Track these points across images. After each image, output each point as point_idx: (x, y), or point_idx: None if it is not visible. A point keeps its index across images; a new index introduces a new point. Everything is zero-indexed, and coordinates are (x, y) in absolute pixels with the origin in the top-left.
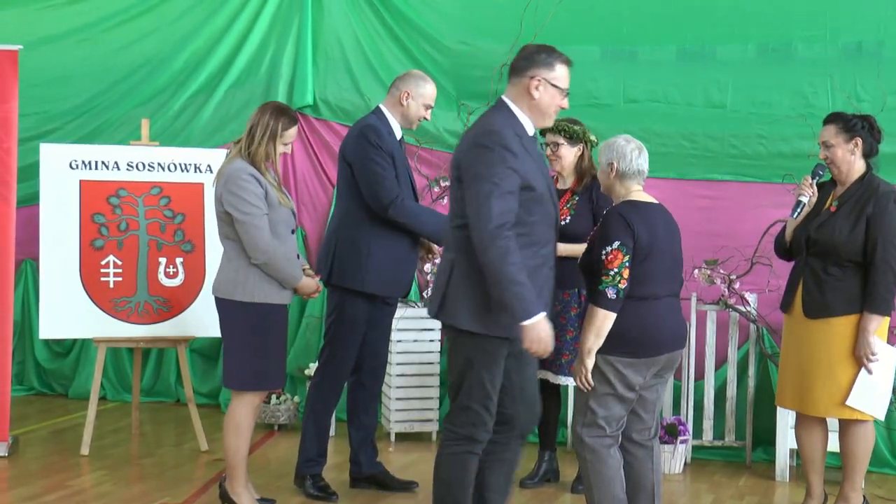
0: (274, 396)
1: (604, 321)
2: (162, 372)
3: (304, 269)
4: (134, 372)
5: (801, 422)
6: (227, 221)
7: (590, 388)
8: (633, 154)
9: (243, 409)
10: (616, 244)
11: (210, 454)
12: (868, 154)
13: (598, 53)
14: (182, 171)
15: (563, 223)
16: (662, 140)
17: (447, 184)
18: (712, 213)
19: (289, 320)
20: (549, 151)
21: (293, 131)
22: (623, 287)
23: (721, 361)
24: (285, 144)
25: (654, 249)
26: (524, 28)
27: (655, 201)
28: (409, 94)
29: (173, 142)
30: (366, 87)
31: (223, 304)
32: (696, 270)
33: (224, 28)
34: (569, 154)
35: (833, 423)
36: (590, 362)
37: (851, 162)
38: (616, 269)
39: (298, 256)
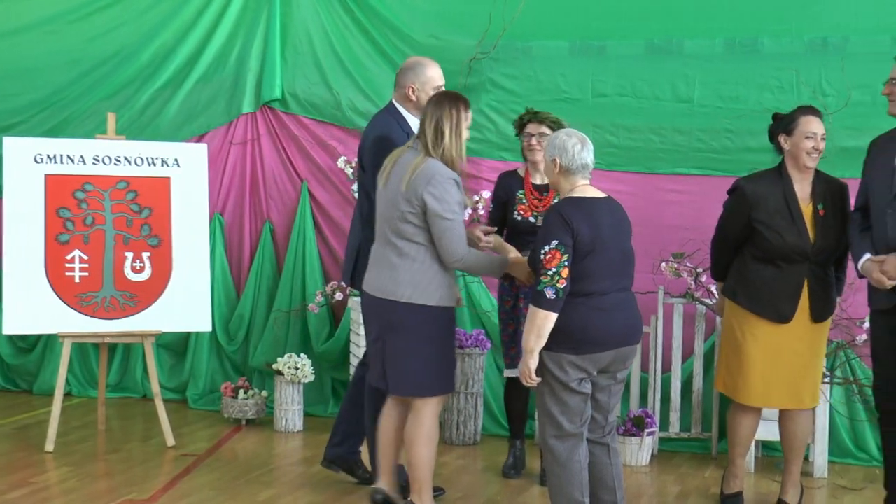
0: (242, 391)
1: (544, 321)
2: (128, 367)
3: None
4: (100, 367)
5: (741, 409)
6: (416, 223)
7: (534, 384)
8: (576, 149)
9: (434, 416)
10: (554, 244)
11: (177, 449)
12: None
13: (567, 48)
14: (149, 164)
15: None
16: (630, 134)
17: None
18: (679, 207)
19: (262, 315)
20: (532, 141)
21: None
22: (562, 287)
23: (688, 354)
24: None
25: (597, 245)
26: (493, 23)
27: (603, 195)
28: (413, 87)
29: (140, 135)
30: (335, 81)
31: (411, 309)
32: (663, 264)
33: (192, 21)
34: None
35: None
36: (532, 363)
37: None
38: (554, 269)
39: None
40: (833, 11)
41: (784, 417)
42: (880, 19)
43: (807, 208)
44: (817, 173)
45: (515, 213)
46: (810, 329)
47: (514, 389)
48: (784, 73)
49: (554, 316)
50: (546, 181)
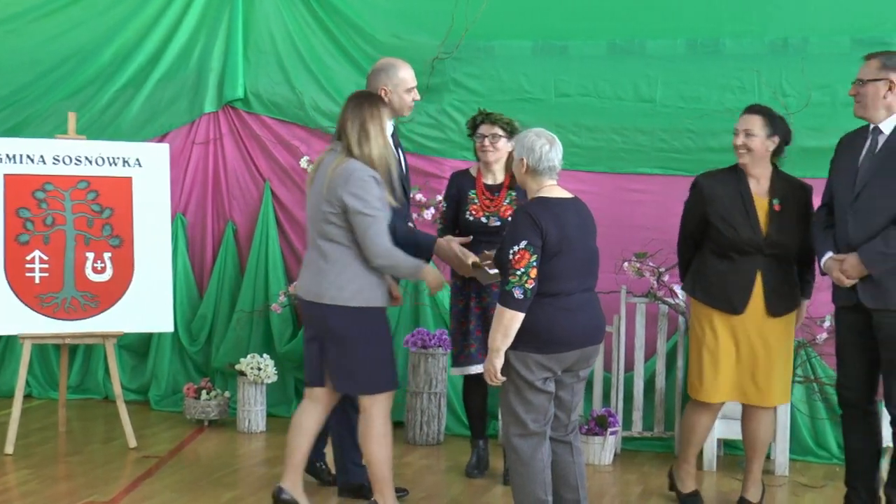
0: (204, 392)
1: (511, 321)
2: (90, 368)
3: None
4: (61, 368)
5: (698, 408)
6: (338, 223)
7: (499, 384)
8: (543, 149)
9: (382, 414)
10: (523, 244)
11: (138, 451)
12: (776, 154)
13: (530, 48)
14: (110, 164)
15: (509, 220)
16: (593, 134)
17: None
18: (642, 207)
19: (225, 316)
20: (486, 143)
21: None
22: (530, 287)
23: (650, 353)
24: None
25: (564, 246)
26: (455, 22)
27: (570, 196)
28: (386, 90)
29: (101, 135)
30: (297, 80)
31: (337, 311)
32: (626, 263)
33: (153, 20)
34: (505, 147)
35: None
36: (498, 362)
37: (765, 156)
38: (523, 269)
39: None
40: (793, 13)
41: (746, 416)
42: (839, 21)
43: (762, 203)
44: (778, 173)
45: (467, 213)
46: (768, 324)
47: (473, 389)
48: (745, 73)
49: (521, 316)
50: (498, 181)
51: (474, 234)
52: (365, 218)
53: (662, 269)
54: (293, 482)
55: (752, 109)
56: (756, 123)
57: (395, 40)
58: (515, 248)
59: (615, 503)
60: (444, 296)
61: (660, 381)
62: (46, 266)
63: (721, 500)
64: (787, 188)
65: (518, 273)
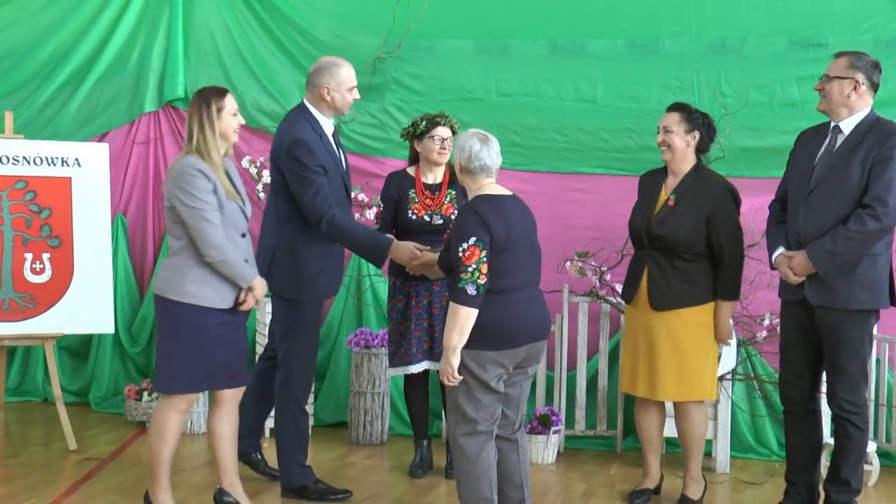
0: (146, 393)
1: (467, 318)
2: (29, 370)
3: None
4: None
5: (642, 405)
6: (173, 219)
7: (456, 383)
8: (474, 149)
9: (165, 412)
10: (472, 240)
11: (79, 453)
12: (700, 149)
13: (471, 47)
14: (48, 164)
15: (451, 217)
16: (535, 134)
17: None
18: (584, 206)
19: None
20: (446, 145)
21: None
22: (482, 283)
23: (593, 352)
24: (233, 115)
25: (511, 242)
26: (397, 22)
27: (509, 193)
28: (328, 88)
29: (39, 135)
30: (238, 79)
31: (157, 301)
32: (568, 262)
33: (91, 19)
34: (451, 148)
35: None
36: (455, 361)
37: (686, 152)
38: (474, 265)
39: (247, 261)
40: (731, 14)
41: (676, 413)
42: (776, 22)
43: (663, 198)
44: (699, 170)
45: (409, 212)
46: (656, 317)
47: (414, 389)
48: (684, 73)
49: (475, 312)
50: (438, 180)
51: (417, 233)
52: (192, 210)
53: (604, 269)
54: (230, 483)
55: (671, 107)
56: (674, 120)
57: (337, 40)
58: (465, 245)
59: (558, 501)
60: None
61: (602, 380)
62: None
63: (664, 499)
64: (696, 185)
65: (469, 270)
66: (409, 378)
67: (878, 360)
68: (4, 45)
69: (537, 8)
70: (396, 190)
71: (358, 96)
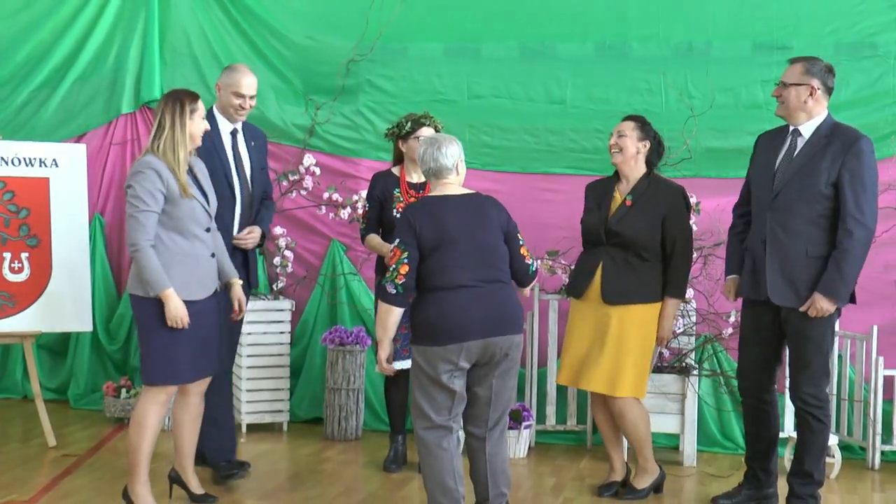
0: (124, 390)
1: (386, 314)
2: (8, 368)
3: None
4: None
5: (596, 403)
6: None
7: (389, 373)
8: (421, 152)
9: (144, 406)
10: (396, 242)
11: (58, 450)
12: (649, 160)
13: (442, 50)
14: (26, 165)
15: None
16: (506, 135)
17: (295, 178)
18: (554, 206)
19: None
20: None
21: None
22: (401, 283)
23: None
24: (202, 119)
25: (444, 240)
26: (370, 24)
27: (463, 193)
28: (219, 86)
29: (16, 135)
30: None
31: (130, 299)
32: (539, 261)
33: (68, 21)
34: None
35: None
36: (382, 352)
37: (636, 158)
38: (394, 266)
39: (214, 255)
40: (697, 18)
41: (614, 413)
42: (741, 26)
43: (618, 199)
44: (652, 176)
45: (394, 211)
46: (604, 311)
47: (394, 385)
48: (652, 76)
49: (397, 310)
50: (422, 179)
51: None
52: (130, 205)
53: (574, 267)
54: (182, 466)
55: (628, 117)
56: (628, 127)
57: (310, 42)
58: (392, 245)
59: (529, 495)
60: (362, 293)
61: None
62: None
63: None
64: (651, 188)
65: (390, 269)
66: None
67: (839, 357)
68: None
69: (508, 11)
70: (381, 190)
71: (246, 106)
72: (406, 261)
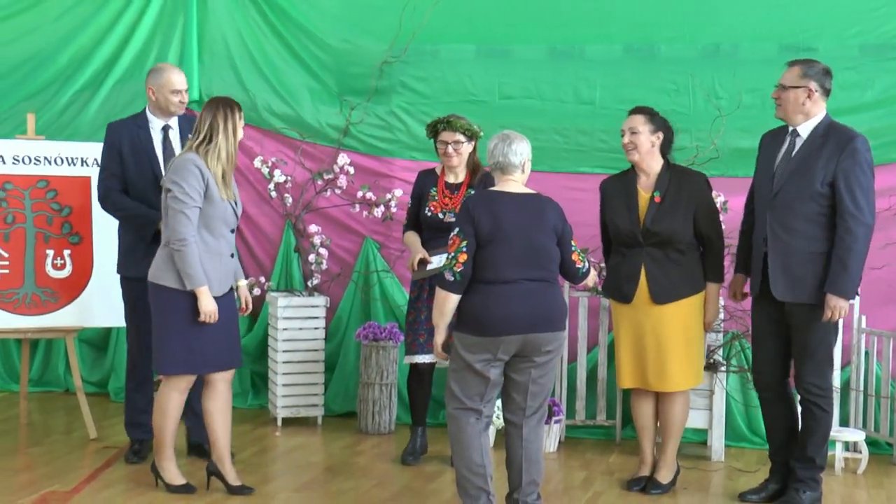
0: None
1: (444, 301)
2: (51, 362)
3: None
4: (22, 362)
5: (637, 395)
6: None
7: (444, 358)
8: (491, 146)
9: (166, 392)
10: (456, 230)
11: (99, 442)
12: (663, 151)
13: (474, 52)
14: (69, 164)
15: None
16: (536, 135)
17: (330, 177)
18: (583, 205)
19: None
20: (449, 150)
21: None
22: (459, 270)
23: (592, 345)
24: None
25: (499, 236)
26: (403, 27)
27: (524, 192)
28: (151, 88)
29: (59, 136)
30: (250, 82)
31: (150, 287)
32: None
33: (109, 25)
34: (467, 150)
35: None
36: (438, 337)
37: (652, 152)
38: (452, 254)
39: (233, 255)
40: (724, 20)
41: (659, 400)
42: (767, 28)
43: (645, 197)
44: (669, 166)
45: (427, 209)
46: (658, 311)
47: (416, 377)
48: (679, 77)
49: (454, 297)
50: (459, 180)
51: (432, 230)
52: (175, 200)
53: (603, 265)
54: (219, 457)
55: (634, 110)
56: (639, 121)
57: (345, 44)
58: (452, 234)
59: (559, 489)
60: (395, 290)
61: (602, 372)
62: (7, 263)
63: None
64: (674, 180)
65: (449, 257)
66: (415, 367)
67: (867, 353)
68: (26, 50)
69: (538, 14)
70: (420, 187)
71: (185, 100)
72: (464, 249)
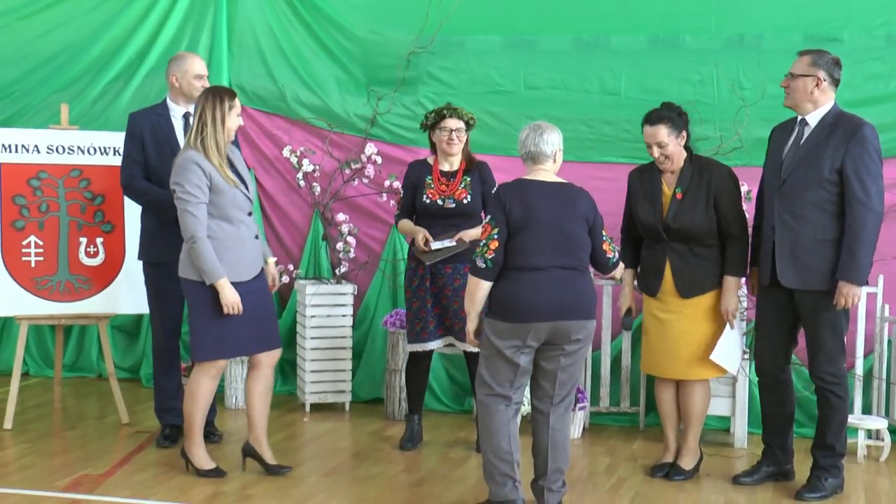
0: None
1: (476, 287)
2: (84, 348)
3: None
4: (56, 348)
5: (661, 382)
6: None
7: (476, 344)
8: (522, 136)
9: (197, 379)
10: (488, 218)
11: (131, 426)
12: (685, 144)
13: (500, 43)
14: (101, 154)
15: (464, 202)
16: (561, 125)
17: (357, 166)
18: (608, 194)
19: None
20: (452, 136)
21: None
22: (490, 257)
23: (616, 333)
24: (238, 115)
25: (530, 223)
26: (430, 19)
27: (555, 181)
28: (175, 76)
29: (92, 126)
30: (279, 73)
31: (182, 282)
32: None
33: (140, 17)
34: (464, 139)
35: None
36: (470, 324)
37: (681, 153)
38: (484, 241)
39: (257, 237)
40: (749, 10)
41: (680, 388)
42: (792, 18)
43: (667, 193)
44: (693, 159)
45: (424, 196)
46: (684, 304)
47: (414, 366)
48: (704, 67)
49: (485, 284)
50: (454, 168)
51: (431, 216)
52: (180, 200)
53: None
54: (255, 437)
55: (651, 120)
56: (663, 134)
57: (373, 36)
58: (484, 221)
59: (584, 475)
60: None
61: (626, 359)
62: (41, 251)
63: (701, 476)
64: (696, 174)
65: (481, 244)
66: (415, 355)
67: (889, 342)
68: (60, 42)
69: (563, 5)
70: (415, 178)
71: (207, 84)
72: (496, 237)
